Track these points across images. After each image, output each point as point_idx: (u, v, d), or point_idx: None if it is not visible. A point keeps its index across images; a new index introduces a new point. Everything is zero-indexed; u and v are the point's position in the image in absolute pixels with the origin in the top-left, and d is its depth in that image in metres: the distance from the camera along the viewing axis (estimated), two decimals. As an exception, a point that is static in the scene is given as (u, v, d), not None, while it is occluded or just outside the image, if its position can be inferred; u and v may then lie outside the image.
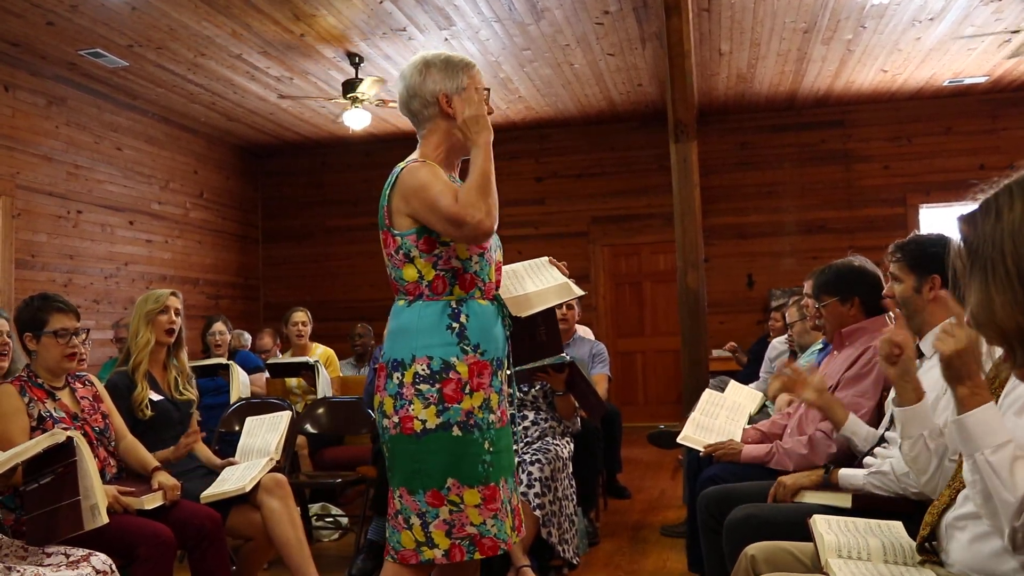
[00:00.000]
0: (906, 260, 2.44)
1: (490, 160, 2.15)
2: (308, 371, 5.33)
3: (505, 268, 2.43)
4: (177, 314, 3.40)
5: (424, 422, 2.12)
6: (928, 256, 2.40)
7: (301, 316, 6.04)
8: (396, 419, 2.14)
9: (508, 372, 2.34)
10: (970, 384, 1.56)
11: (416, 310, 2.17)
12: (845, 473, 2.43)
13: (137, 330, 3.35)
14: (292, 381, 5.50)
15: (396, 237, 2.18)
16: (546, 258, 2.46)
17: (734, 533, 2.39)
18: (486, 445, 2.16)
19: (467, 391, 2.14)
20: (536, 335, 2.37)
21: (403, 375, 2.14)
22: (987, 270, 1.28)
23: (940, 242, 2.43)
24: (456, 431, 2.12)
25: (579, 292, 2.37)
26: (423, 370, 2.13)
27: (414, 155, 2.27)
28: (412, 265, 2.17)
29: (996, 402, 1.70)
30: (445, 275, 2.16)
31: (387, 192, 2.21)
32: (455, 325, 2.15)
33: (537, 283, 2.35)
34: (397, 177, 2.19)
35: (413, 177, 2.15)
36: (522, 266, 2.45)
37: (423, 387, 2.12)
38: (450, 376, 2.13)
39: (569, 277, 2.40)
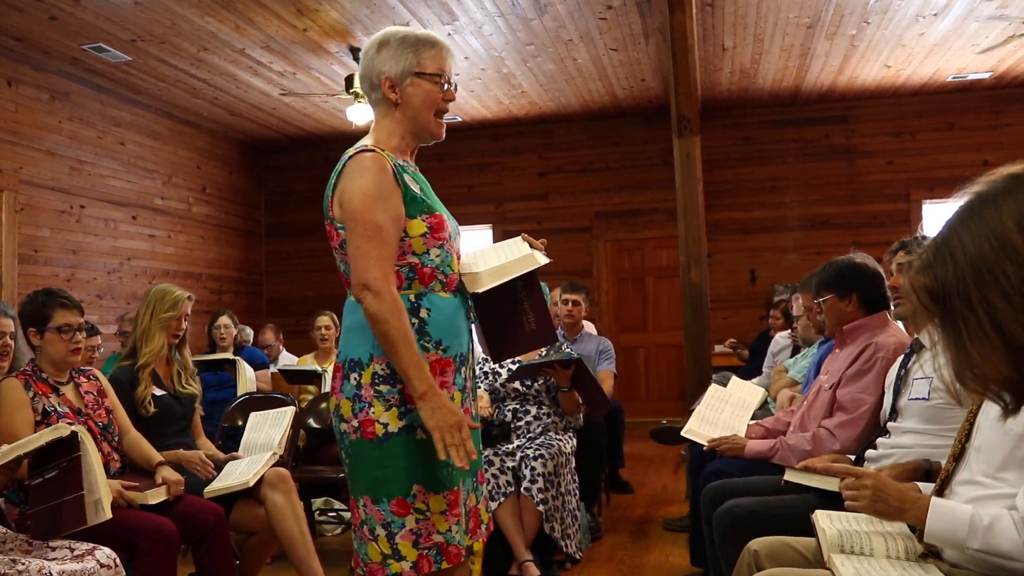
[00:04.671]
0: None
1: (402, 368, 1.90)
2: (318, 378, 5.31)
3: (475, 251, 2.26)
4: (186, 317, 3.41)
5: (386, 425, 1.96)
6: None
7: (325, 320, 5.80)
8: (355, 423, 1.98)
9: (480, 367, 2.20)
10: (908, 506, 1.63)
11: None
12: None
13: (149, 331, 3.33)
14: (310, 387, 5.46)
15: (339, 230, 2.01)
16: (520, 236, 2.25)
17: (721, 526, 2.41)
18: None
19: None
20: (524, 323, 2.17)
21: (361, 375, 1.98)
22: (960, 325, 1.21)
23: None
24: (420, 434, 1.96)
25: (543, 260, 2.12)
26: (382, 369, 1.97)
27: (366, 140, 2.07)
28: None
29: (980, 408, 1.71)
30: (401, 270, 1.99)
31: (332, 181, 2.03)
32: (415, 321, 1.98)
33: (501, 258, 2.14)
34: (344, 165, 2.01)
35: (361, 175, 1.96)
36: (491, 247, 2.28)
37: (383, 388, 1.97)
38: None
39: (542, 251, 2.18)
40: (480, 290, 2.08)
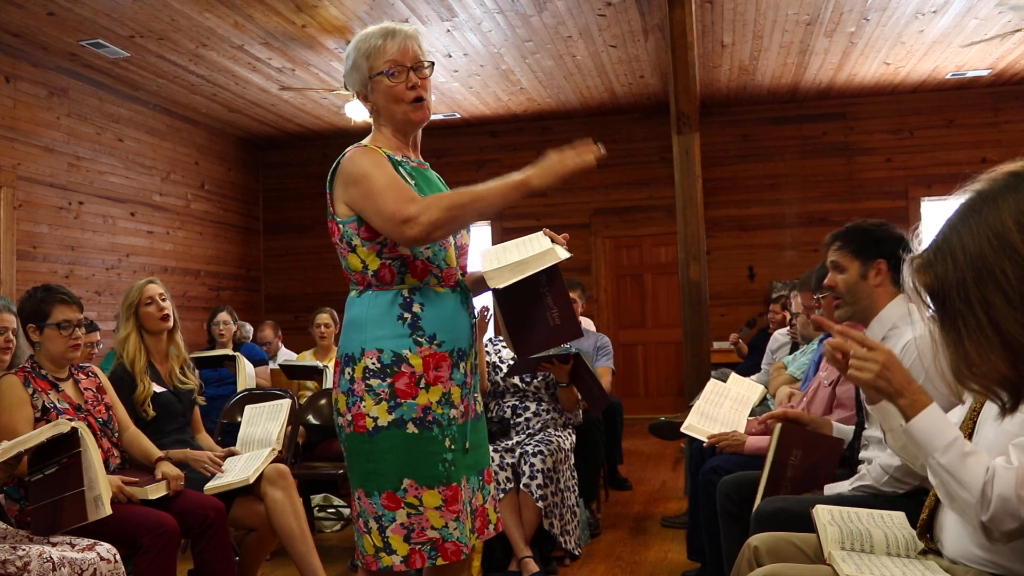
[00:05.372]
0: (850, 247, 2.45)
1: (502, 197, 1.97)
2: (319, 374, 5.31)
3: (496, 246, 2.29)
4: (163, 299, 3.36)
5: (375, 419, 1.98)
6: (873, 242, 2.41)
7: (325, 317, 5.82)
8: (349, 417, 2.01)
9: (477, 361, 2.18)
10: (907, 393, 1.57)
11: (366, 301, 2.04)
12: (831, 491, 2.42)
13: (120, 330, 3.33)
14: (308, 382, 5.47)
15: (339, 225, 2.06)
16: (542, 231, 2.26)
17: (763, 526, 2.37)
18: (447, 443, 2.01)
19: (422, 385, 1.99)
20: (548, 319, 2.17)
21: (354, 370, 2.01)
22: (959, 324, 1.20)
23: (882, 227, 2.45)
24: (411, 428, 1.98)
25: (564, 255, 2.12)
26: (373, 364, 1.99)
27: (365, 140, 2.14)
28: (355, 254, 2.05)
29: (983, 406, 1.70)
30: (392, 264, 2.02)
31: (329, 178, 2.09)
32: (407, 315, 2.01)
33: (522, 253, 2.15)
34: (339, 163, 2.07)
35: (353, 164, 2.02)
36: (513, 242, 2.29)
37: (373, 382, 1.99)
38: (402, 370, 1.99)
39: (564, 246, 2.18)
40: (500, 286, 2.08)
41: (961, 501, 1.49)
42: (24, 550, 2.22)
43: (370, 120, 2.18)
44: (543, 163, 1.96)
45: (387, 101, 2.08)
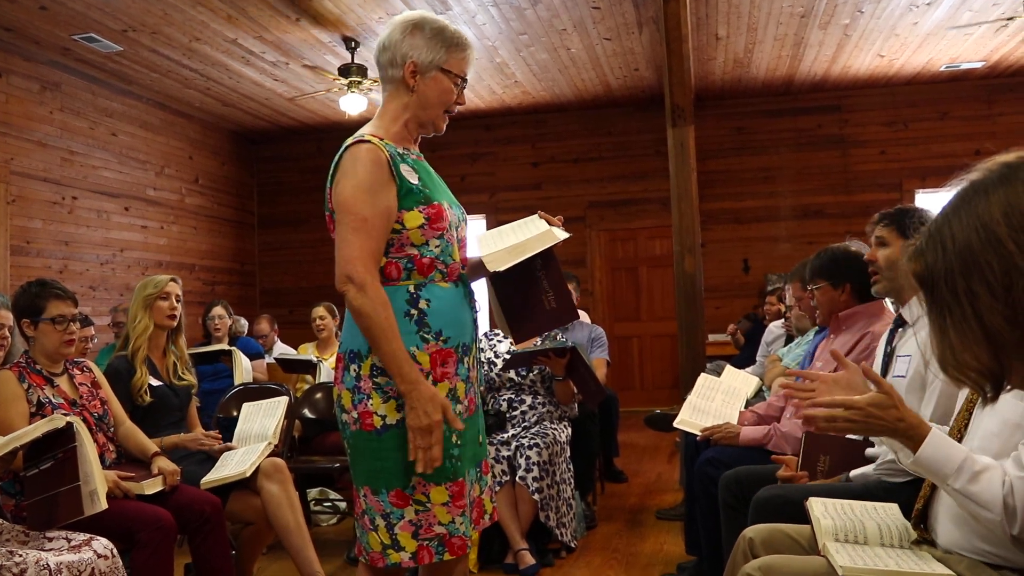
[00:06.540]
0: (896, 226, 2.52)
1: (388, 359, 1.91)
2: (313, 368, 5.31)
3: (493, 230, 2.27)
4: (178, 300, 3.42)
5: (384, 417, 1.96)
6: (919, 224, 2.47)
7: (320, 311, 5.79)
8: (355, 414, 1.99)
9: (479, 356, 2.17)
10: (903, 428, 1.59)
11: None
12: (857, 474, 2.42)
13: (135, 315, 3.36)
14: (307, 376, 5.46)
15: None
16: (537, 214, 2.24)
17: (761, 513, 2.38)
18: (453, 438, 2.00)
19: (429, 382, 1.97)
20: (544, 302, 2.14)
21: (360, 367, 1.98)
22: (945, 313, 1.21)
23: (930, 213, 2.51)
24: None
25: (562, 236, 2.09)
26: (381, 362, 1.95)
27: (368, 128, 2.07)
28: None
29: (977, 399, 1.71)
30: (399, 261, 1.99)
31: (332, 171, 2.04)
32: (413, 312, 1.98)
33: (519, 236, 2.13)
34: (342, 157, 2.01)
35: (355, 169, 1.97)
36: (509, 226, 2.27)
37: (381, 380, 1.96)
38: None
39: (560, 227, 2.16)
40: (500, 268, 2.06)
41: (986, 520, 1.52)
42: (21, 556, 2.21)
43: (367, 110, 2.16)
44: (421, 413, 1.89)
45: (435, 97, 2.08)
